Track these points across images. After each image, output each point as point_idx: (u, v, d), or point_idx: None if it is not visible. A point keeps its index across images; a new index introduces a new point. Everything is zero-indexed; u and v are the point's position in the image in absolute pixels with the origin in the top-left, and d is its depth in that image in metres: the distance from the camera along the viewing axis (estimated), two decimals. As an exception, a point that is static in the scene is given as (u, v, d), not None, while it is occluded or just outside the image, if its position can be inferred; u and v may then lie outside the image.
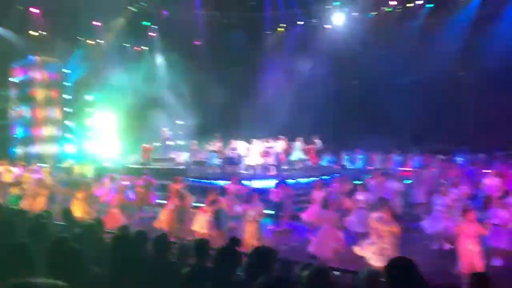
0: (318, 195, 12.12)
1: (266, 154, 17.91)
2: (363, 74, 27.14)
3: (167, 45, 26.66)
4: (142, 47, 27.82)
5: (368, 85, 27.06)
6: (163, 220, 11.74)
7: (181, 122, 25.65)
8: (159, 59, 27.81)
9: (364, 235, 9.57)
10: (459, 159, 20.63)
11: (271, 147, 17.74)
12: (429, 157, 21.71)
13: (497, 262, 9.46)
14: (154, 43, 27.46)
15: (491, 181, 13.58)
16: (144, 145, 21.90)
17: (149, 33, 27.18)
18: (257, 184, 15.96)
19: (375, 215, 8.87)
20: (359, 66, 26.74)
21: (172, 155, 23.51)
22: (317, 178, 16.23)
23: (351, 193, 12.64)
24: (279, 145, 18.03)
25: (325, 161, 22.80)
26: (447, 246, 10.28)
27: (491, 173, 14.31)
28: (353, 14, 26.82)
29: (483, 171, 15.69)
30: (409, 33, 24.43)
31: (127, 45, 27.11)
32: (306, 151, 19.61)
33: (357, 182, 14.28)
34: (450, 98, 24.24)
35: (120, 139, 25.35)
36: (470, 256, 8.16)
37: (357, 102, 27.42)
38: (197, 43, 27.90)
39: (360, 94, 27.90)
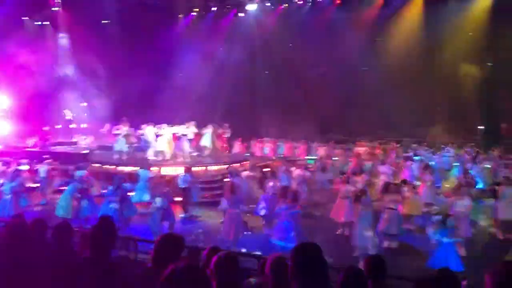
0: (232, 181, 12.19)
1: (176, 140, 17.63)
2: (274, 64, 27.74)
3: (73, 21, 24.89)
4: (43, 22, 25.73)
5: (279, 75, 27.72)
6: (64, 207, 11.09)
7: (85, 104, 24.26)
8: (63, 36, 25.92)
9: (274, 221, 9.88)
10: (362, 149, 21.95)
11: (181, 133, 17.48)
12: (332, 146, 22.93)
13: (387, 244, 10.27)
14: (58, 18, 25.53)
15: (386, 170, 14.68)
16: (44, 128, 20.46)
17: (52, 8, 25.22)
18: (166, 170, 15.68)
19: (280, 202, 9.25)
20: (270, 56, 27.28)
21: (75, 139, 22.25)
22: (228, 165, 16.43)
23: (261, 180, 12.92)
24: (190, 131, 17.82)
25: (235, 148, 23.03)
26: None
27: (386, 162, 15.49)
28: (266, 4, 27.18)
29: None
30: (318, 27, 25.34)
31: (25, 18, 24.93)
32: (216, 138, 19.62)
33: (266, 169, 14.62)
34: (353, 91, 25.65)
35: (18, 120, 23.29)
36: (364, 238, 8.75)
37: (267, 92, 27.99)
38: (106, 21, 26.46)
39: (270, 83, 28.50)
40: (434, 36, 23.89)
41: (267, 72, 29.58)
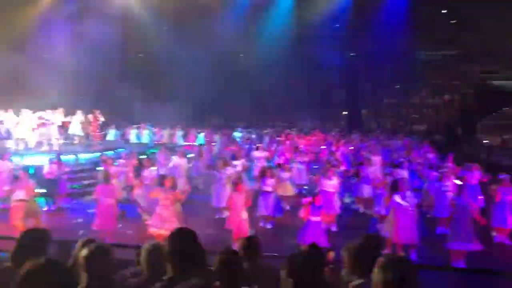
0: (109, 170, 11.56)
1: (40, 126, 16.18)
2: (148, 48, 26.93)
3: None
4: None
5: (153, 59, 27.00)
6: None
7: None
8: None
9: (150, 210, 9.64)
10: (237, 135, 22.49)
11: (46, 119, 16.11)
12: (210, 132, 23.12)
13: (263, 224, 10.71)
14: None
15: (260, 155, 15.23)
16: None
17: None
18: (29, 160, 14.33)
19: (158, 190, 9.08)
20: (144, 39, 26.39)
21: None
22: (100, 153, 15.64)
23: (137, 168, 12.50)
24: (56, 117, 16.49)
25: (110, 135, 21.96)
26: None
27: (261, 147, 16.08)
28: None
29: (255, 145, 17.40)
30: (197, 11, 25.06)
31: None
32: (87, 125, 18.48)
33: (143, 157, 14.22)
34: (230, 77, 26.08)
35: None
36: (240, 223, 8.99)
37: (142, 76, 27.13)
38: None
39: (145, 67, 27.67)
40: (304, 25, 25.21)
41: (141, 55, 28.65)
